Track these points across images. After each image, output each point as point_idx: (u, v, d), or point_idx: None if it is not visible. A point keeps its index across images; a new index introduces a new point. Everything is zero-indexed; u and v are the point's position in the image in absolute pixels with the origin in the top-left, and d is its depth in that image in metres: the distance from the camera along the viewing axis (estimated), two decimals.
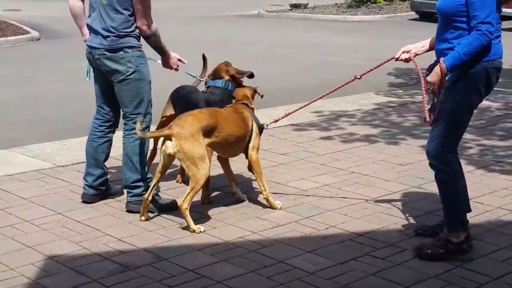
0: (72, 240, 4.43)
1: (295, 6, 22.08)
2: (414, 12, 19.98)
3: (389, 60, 4.55)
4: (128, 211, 4.88)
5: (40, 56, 12.98)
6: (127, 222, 4.73)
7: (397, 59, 4.42)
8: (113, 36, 4.74)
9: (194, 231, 4.50)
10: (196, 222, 4.69)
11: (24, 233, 4.54)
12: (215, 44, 14.47)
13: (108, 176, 5.19)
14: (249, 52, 13.40)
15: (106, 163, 5.13)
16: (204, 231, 4.52)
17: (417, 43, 4.40)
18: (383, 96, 8.99)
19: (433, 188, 5.37)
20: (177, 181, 5.47)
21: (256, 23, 19.14)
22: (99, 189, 5.10)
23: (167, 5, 22.70)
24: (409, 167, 5.95)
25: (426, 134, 7.05)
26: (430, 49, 4.34)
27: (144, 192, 4.86)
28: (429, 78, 3.97)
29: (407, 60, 4.38)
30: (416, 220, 4.73)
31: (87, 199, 5.07)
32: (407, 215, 4.84)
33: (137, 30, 4.81)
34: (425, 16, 19.33)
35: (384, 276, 3.93)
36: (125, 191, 5.02)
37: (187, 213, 4.52)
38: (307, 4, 22.35)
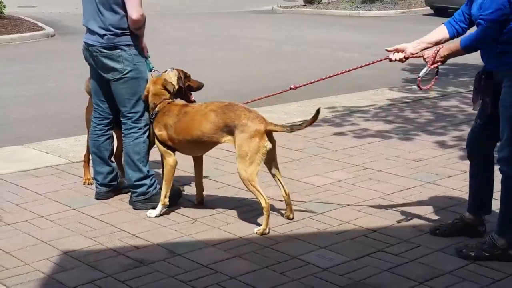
0: (87, 235, 4.46)
1: (309, 2, 22.02)
2: (428, 7, 19.89)
3: (382, 60, 4.47)
4: (135, 209, 4.90)
5: (54, 53, 13.03)
6: (141, 218, 4.75)
7: (391, 60, 4.35)
8: (110, 34, 4.74)
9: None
10: (210, 217, 4.71)
11: (39, 229, 4.57)
12: (226, 40, 14.50)
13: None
14: (260, 48, 13.39)
15: (112, 158, 5.16)
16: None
17: (414, 41, 4.28)
18: (396, 92, 8.96)
19: (448, 184, 5.38)
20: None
21: (269, 19, 19.12)
22: (111, 185, 5.12)
23: (179, 1, 22.72)
24: (423, 163, 5.93)
25: (441, 130, 7.06)
26: (435, 44, 4.22)
27: (149, 190, 4.87)
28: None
29: (402, 60, 4.29)
30: (430, 216, 4.72)
31: (102, 197, 5.09)
32: (421, 211, 4.82)
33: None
34: (439, 11, 19.24)
35: (398, 272, 3.92)
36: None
37: None
38: (321, 0, 22.29)
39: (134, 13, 4.65)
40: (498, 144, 4.10)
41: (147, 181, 4.89)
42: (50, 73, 10.74)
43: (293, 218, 4.66)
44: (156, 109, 4.75)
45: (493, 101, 4.04)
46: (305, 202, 5.02)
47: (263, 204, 4.41)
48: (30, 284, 3.80)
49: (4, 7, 16.29)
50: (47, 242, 4.35)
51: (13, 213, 4.84)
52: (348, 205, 4.95)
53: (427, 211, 4.81)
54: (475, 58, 4.27)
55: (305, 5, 21.90)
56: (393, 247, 4.24)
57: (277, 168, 4.67)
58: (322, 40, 14.53)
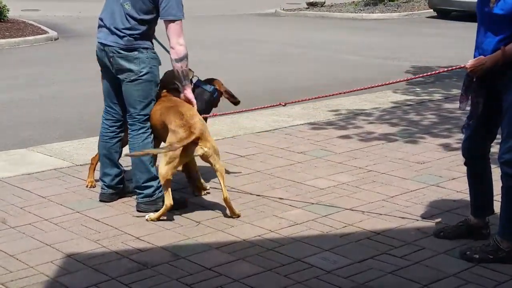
0: (91, 238, 4.46)
1: (312, 5, 22.01)
2: (432, 10, 19.88)
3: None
4: (139, 211, 4.90)
5: (58, 56, 13.05)
6: (145, 221, 4.74)
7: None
8: (130, 36, 4.76)
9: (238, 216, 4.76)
10: (214, 220, 4.72)
11: (43, 232, 4.57)
12: (229, 43, 14.50)
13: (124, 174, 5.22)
14: (263, 51, 13.39)
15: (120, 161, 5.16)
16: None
17: None
18: (400, 94, 8.95)
19: (452, 186, 5.37)
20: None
21: (272, 21, 19.12)
22: (118, 188, 5.13)
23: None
24: (427, 166, 5.93)
25: (445, 132, 7.05)
26: None
27: (155, 193, 4.87)
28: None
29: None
30: (434, 219, 4.71)
31: (106, 199, 5.10)
32: (425, 213, 4.82)
33: (151, 32, 4.86)
34: (443, 13, 19.23)
35: (402, 275, 3.92)
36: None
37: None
38: (324, 2, 22.28)
39: (172, 40, 4.74)
40: (492, 144, 4.10)
41: (154, 183, 4.89)
42: (54, 77, 10.75)
43: (238, 215, 4.77)
44: None
45: (485, 102, 4.04)
46: (309, 204, 5.02)
47: (166, 203, 4.65)
48: (34, 287, 3.80)
49: (8, 10, 16.31)
50: (51, 245, 4.35)
51: (17, 216, 4.85)
52: (352, 207, 4.95)
53: (431, 214, 4.81)
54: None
55: (308, 8, 21.89)
56: (397, 250, 4.24)
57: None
58: (325, 43, 14.53)
